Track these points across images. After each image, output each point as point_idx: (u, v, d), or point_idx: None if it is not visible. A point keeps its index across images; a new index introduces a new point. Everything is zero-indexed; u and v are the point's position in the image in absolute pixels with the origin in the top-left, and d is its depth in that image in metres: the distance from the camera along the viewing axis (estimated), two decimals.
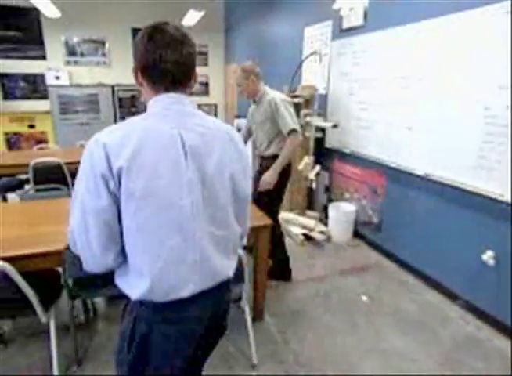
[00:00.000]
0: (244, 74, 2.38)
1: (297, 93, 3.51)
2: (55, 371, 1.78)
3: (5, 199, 4.24)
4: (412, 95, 2.72)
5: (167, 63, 0.89)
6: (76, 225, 0.87)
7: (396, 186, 3.05)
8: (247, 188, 1.07)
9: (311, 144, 3.60)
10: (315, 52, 3.60)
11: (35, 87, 6.46)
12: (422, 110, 2.65)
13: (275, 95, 2.43)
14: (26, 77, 6.39)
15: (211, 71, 7.59)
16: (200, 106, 7.66)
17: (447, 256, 2.59)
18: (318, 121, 3.34)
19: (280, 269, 2.72)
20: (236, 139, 1.04)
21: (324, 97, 3.80)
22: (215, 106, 7.87)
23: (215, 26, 7.26)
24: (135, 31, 6.81)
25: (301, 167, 3.36)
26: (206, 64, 7.50)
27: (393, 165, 2.99)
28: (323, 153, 3.92)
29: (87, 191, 0.84)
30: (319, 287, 2.72)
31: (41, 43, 6.34)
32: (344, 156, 3.64)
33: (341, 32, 3.49)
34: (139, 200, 0.84)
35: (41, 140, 6.33)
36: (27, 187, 3.89)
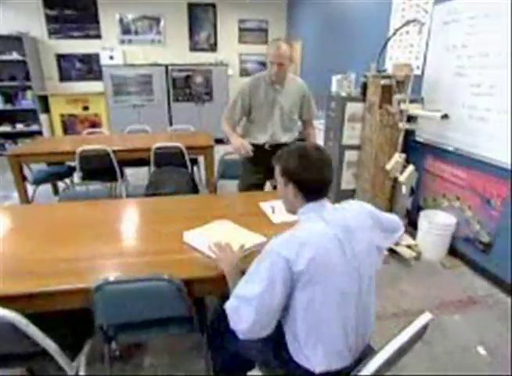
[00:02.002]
0: (289, 54, 2.13)
1: (387, 73, 2.80)
2: None
3: (55, 187, 4.05)
4: None
5: (319, 180, 1.07)
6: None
7: None
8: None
9: (401, 138, 2.91)
10: (414, 21, 2.84)
11: (90, 67, 6.27)
12: None
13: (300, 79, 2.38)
14: (81, 58, 6.21)
15: None
16: None
17: None
18: (418, 110, 2.63)
19: None
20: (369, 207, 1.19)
21: (418, 79, 3.04)
22: None
23: None
24: (191, 7, 6.34)
25: (389, 166, 2.70)
26: (265, 42, 6.86)
27: None
28: (411, 149, 3.20)
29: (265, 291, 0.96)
30: None
31: (96, 21, 6.09)
32: (443, 153, 2.90)
33: None
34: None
35: (94, 123, 6.18)
36: (75, 176, 3.62)
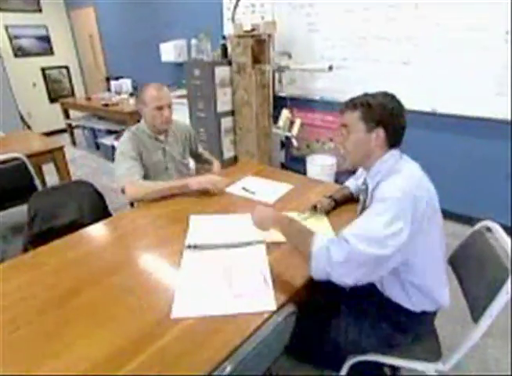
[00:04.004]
0: None
1: (256, 32, 2.78)
2: None
3: None
4: (407, 25, 2.48)
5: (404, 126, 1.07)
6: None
7: None
8: None
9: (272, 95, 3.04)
10: None
11: None
12: (422, 41, 2.46)
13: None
14: None
15: (50, 20, 5.63)
16: (44, 71, 5.73)
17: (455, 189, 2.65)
18: (299, 65, 2.76)
19: None
20: None
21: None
22: (67, 68, 5.99)
23: None
24: None
25: (282, 123, 2.80)
26: (39, 10, 5.48)
27: None
28: (278, 105, 3.39)
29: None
30: None
31: None
32: (308, 104, 3.21)
33: None
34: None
35: None
36: None
